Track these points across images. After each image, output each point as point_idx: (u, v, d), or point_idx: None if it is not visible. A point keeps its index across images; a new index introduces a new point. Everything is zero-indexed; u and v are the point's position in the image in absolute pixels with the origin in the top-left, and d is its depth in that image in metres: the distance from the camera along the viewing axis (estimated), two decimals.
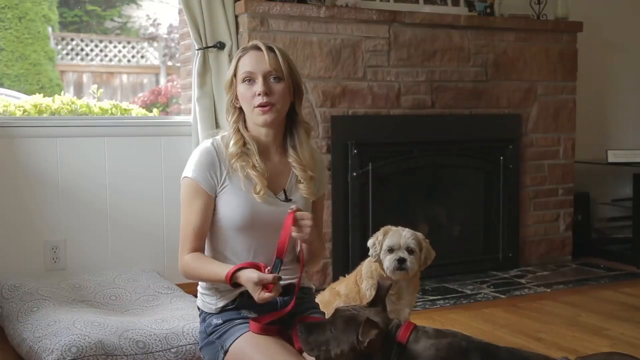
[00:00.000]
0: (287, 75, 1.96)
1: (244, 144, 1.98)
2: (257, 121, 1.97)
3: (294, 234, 1.89)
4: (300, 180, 2.02)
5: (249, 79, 1.95)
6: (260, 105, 1.94)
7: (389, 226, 2.58)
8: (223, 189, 1.97)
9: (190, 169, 1.98)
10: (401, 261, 2.47)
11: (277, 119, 1.98)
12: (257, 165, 1.96)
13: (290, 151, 2.03)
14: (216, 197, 1.98)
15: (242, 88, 1.97)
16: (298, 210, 1.90)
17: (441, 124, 4.14)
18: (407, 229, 2.55)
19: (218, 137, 2.03)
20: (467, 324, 3.20)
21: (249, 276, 1.82)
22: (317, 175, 2.07)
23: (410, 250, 2.49)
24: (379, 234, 2.55)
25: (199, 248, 1.99)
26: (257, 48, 1.97)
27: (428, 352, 1.66)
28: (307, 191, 2.02)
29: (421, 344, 1.68)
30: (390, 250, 2.49)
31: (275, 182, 2.01)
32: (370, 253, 2.55)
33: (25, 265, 3.39)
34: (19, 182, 3.40)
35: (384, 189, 3.96)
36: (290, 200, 2.01)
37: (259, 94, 1.93)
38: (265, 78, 1.95)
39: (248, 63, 1.96)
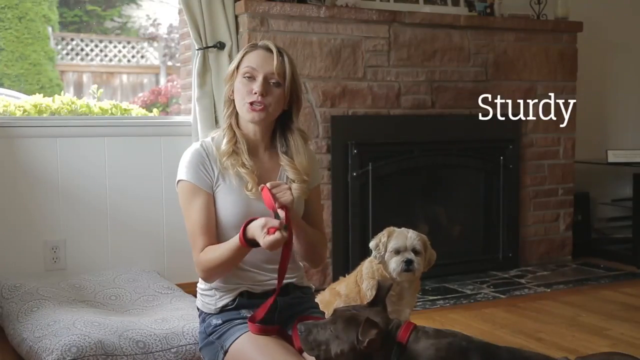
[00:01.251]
0: (288, 82, 1.98)
1: (236, 142, 1.99)
2: (246, 117, 1.98)
3: (282, 199, 1.86)
4: (293, 180, 2.03)
5: (250, 75, 1.96)
6: (254, 103, 1.95)
7: (392, 227, 2.57)
8: (217, 187, 1.98)
9: (183, 172, 1.99)
10: (408, 263, 2.47)
11: (265, 119, 1.99)
12: (246, 163, 1.97)
13: (284, 158, 2.04)
14: (213, 194, 1.98)
15: (239, 82, 1.98)
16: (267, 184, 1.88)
17: (441, 124, 4.14)
18: (411, 230, 2.55)
19: (207, 139, 2.05)
20: (467, 324, 3.20)
21: (256, 223, 1.82)
22: (310, 176, 2.08)
23: (416, 252, 2.49)
24: (382, 236, 2.54)
25: (210, 244, 1.96)
26: (268, 49, 1.97)
27: (428, 352, 1.66)
28: (299, 192, 2.02)
29: (421, 344, 1.68)
30: (397, 251, 2.49)
31: (264, 179, 2.01)
32: (373, 255, 2.54)
33: (25, 265, 3.39)
34: (19, 182, 3.40)
35: (384, 189, 3.95)
36: None
37: (255, 93, 1.94)
38: (266, 79, 1.95)
39: (254, 60, 1.97)
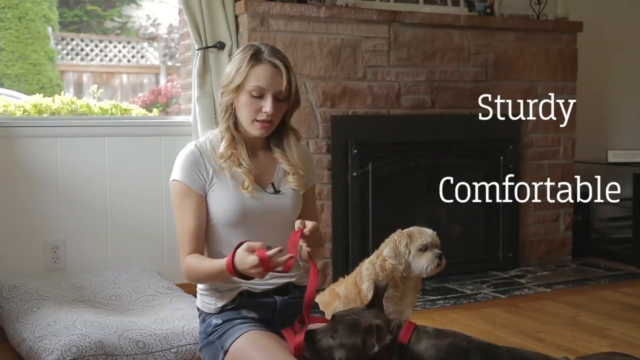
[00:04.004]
0: (293, 95, 1.99)
1: (235, 145, 2.00)
2: (253, 132, 1.99)
3: (304, 247, 1.85)
4: (288, 173, 2.05)
5: (257, 95, 1.94)
6: (262, 121, 1.96)
7: (402, 230, 2.56)
8: (211, 187, 1.98)
9: (177, 172, 1.99)
10: (440, 257, 2.50)
11: (270, 132, 2.02)
12: (243, 162, 1.98)
13: (277, 150, 2.07)
14: (206, 196, 1.98)
15: (246, 98, 1.95)
16: (304, 226, 1.83)
17: (441, 124, 4.14)
18: (424, 228, 2.57)
19: (202, 139, 2.06)
20: (467, 324, 3.20)
21: (240, 254, 1.78)
22: (306, 172, 2.10)
23: (438, 246, 2.53)
24: (402, 239, 2.51)
25: (198, 249, 1.98)
26: (274, 65, 1.94)
27: (429, 353, 1.66)
28: (296, 183, 2.05)
29: (422, 345, 1.68)
30: (424, 249, 2.49)
31: (262, 177, 2.03)
32: (396, 261, 2.49)
33: (25, 265, 3.39)
34: (19, 182, 3.40)
35: (384, 189, 3.95)
36: (280, 192, 2.04)
37: (265, 112, 1.94)
38: (275, 97, 1.95)
39: (262, 78, 1.94)
